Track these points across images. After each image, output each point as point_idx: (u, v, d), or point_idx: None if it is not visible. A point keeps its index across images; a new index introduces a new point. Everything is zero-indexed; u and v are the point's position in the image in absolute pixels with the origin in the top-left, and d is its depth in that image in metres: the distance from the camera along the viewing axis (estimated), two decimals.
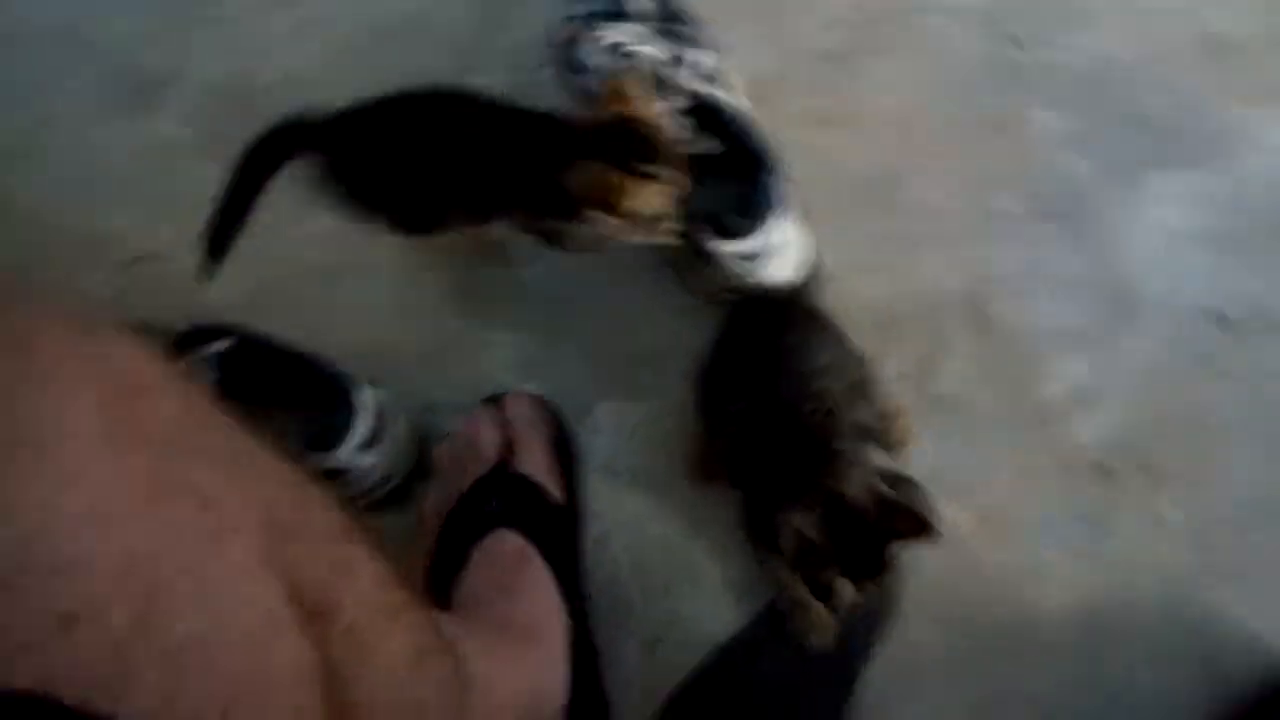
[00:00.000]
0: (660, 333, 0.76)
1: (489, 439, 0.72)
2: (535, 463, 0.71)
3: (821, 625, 0.56)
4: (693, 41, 0.75)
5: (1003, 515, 0.70)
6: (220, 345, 0.68)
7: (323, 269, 0.81)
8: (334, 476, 0.68)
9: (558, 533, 0.68)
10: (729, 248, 0.67)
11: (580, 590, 0.68)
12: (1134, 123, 0.81)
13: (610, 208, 0.60)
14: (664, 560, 0.72)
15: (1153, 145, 0.80)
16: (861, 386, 0.65)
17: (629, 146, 0.59)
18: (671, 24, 0.75)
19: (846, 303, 0.75)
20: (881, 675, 0.65)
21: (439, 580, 0.65)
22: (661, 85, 0.69)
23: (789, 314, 0.69)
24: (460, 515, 0.67)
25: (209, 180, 0.67)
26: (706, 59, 0.75)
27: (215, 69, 0.90)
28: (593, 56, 0.71)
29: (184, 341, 0.68)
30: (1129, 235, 0.77)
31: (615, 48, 0.71)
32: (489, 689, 0.51)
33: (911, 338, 0.75)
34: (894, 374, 0.73)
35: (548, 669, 0.61)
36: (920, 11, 0.85)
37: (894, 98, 0.82)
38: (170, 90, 0.90)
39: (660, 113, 0.63)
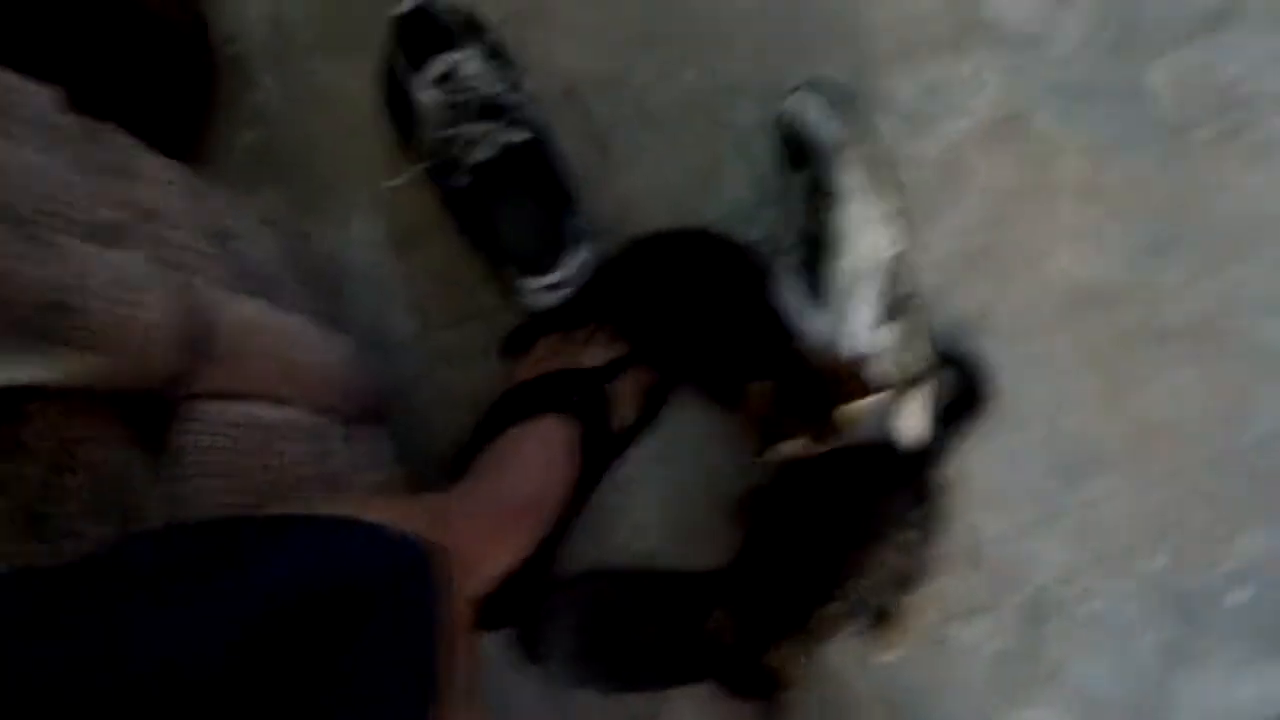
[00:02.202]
0: None
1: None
2: (629, 392, 0.77)
3: None
4: None
5: None
6: (519, 135, 0.76)
7: None
8: (513, 293, 0.79)
9: (605, 453, 0.77)
10: None
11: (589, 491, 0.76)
12: None
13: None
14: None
15: None
16: (907, 575, 0.70)
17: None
18: None
19: None
20: None
21: (486, 428, 0.74)
22: None
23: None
24: (540, 384, 0.75)
25: None
26: None
27: None
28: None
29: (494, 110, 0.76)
30: None
31: None
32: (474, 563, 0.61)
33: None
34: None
35: (526, 545, 0.69)
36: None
37: None
38: None
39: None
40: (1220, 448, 0.77)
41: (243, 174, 0.89)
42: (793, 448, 0.70)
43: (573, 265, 0.77)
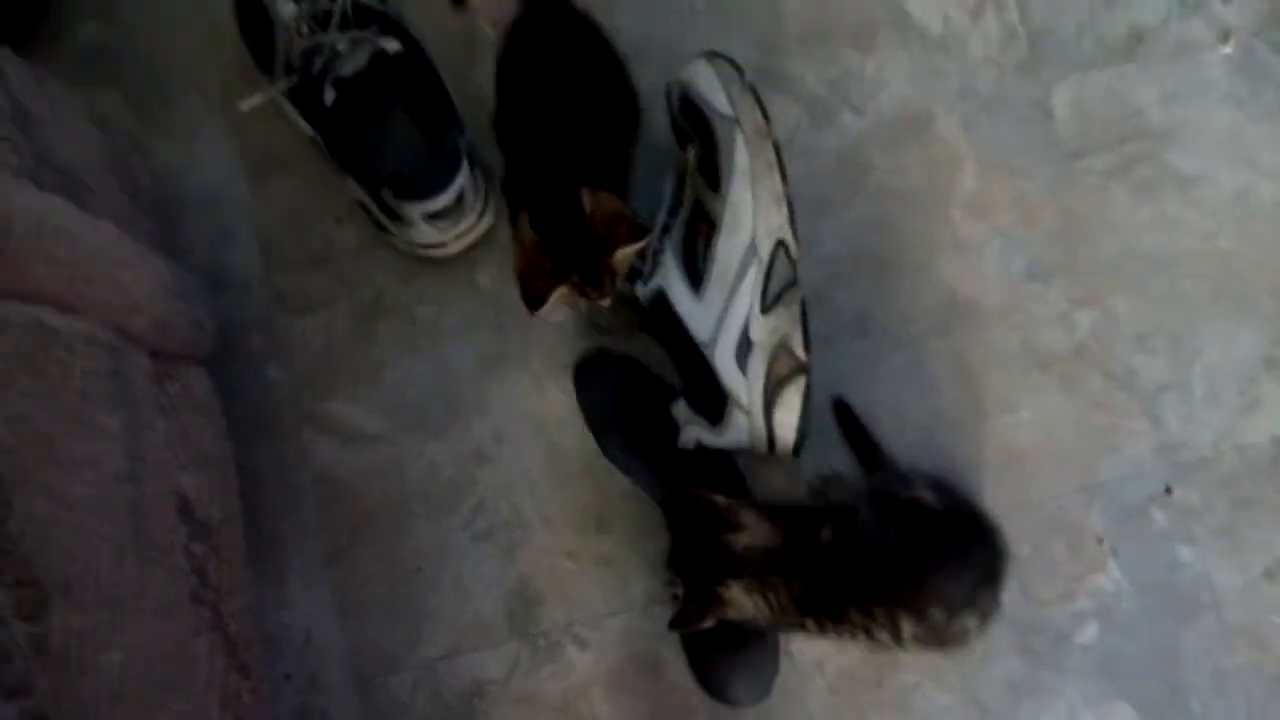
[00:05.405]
0: None
1: None
2: None
3: None
4: None
5: None
6: (390, 44, 0.69)
7: None
8: (392, 216, 0.71)
9: None
10: None
11: None
12: None
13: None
14: None
15: None
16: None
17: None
18: None
19: None
20: None
21: None
22: None
23: None
24: None
25: None
26: None
27: None
28: None
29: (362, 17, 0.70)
30: None
31: None
32: None
33: None
34: None
35: None
36: None
37: None
38: None
39: None
40: (1081, 481, 0.76)
41: (78, 68, 0.79)
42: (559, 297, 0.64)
43: (459, 188, 0.69)
